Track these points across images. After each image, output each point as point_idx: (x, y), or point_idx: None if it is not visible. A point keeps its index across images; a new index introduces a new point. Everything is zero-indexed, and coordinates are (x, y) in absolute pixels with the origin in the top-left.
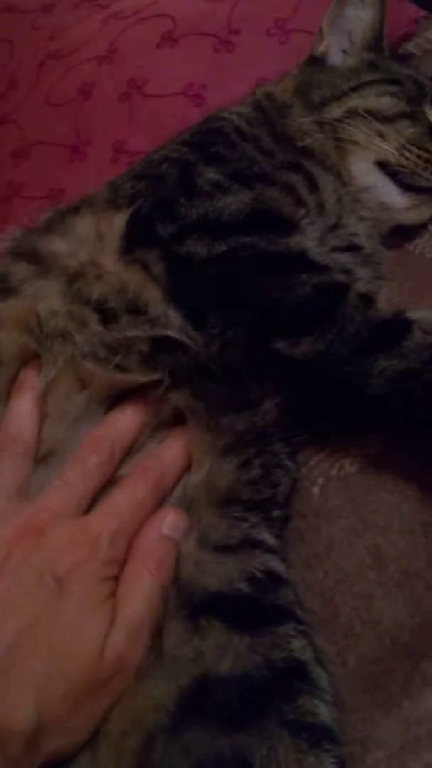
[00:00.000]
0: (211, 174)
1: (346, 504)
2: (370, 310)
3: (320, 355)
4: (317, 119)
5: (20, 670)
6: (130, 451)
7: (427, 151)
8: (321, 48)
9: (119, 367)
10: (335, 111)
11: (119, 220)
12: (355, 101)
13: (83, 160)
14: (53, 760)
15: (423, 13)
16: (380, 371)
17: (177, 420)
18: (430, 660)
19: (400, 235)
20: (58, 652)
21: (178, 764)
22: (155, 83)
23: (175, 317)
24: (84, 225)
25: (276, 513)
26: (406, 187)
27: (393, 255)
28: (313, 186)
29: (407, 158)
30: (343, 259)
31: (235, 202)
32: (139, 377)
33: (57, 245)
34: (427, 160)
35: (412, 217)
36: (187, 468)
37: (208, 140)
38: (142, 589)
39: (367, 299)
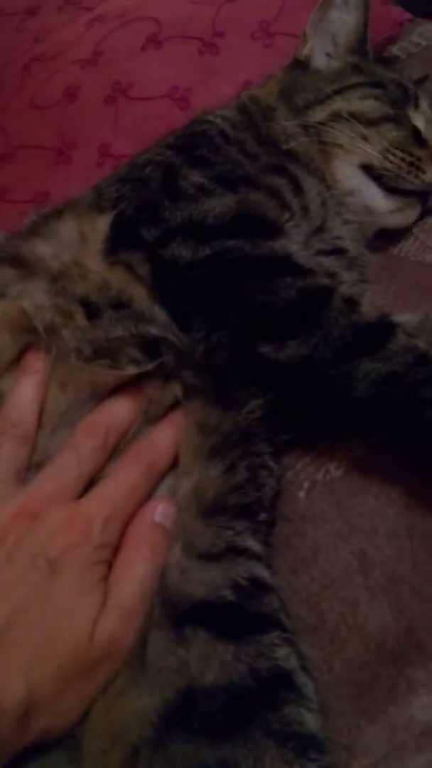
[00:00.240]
0: (195, 177)
1: (331, 508)
2: (354, 314)
3: (305, 359)
4: (301, 122)
5: (12, 652)
6: (124, 437)
7: (410, 154)
8: (305, 51)
9: (107, 364)
10: (319, 114)
11: (102, 223)
12: (339, 104)
13: (68, 164)
14: (42, 739)
15: (407, 16)
16: (365, 374)
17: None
18: (415, 665)
19: (385, 238)
20: (49, 634)
21: None
22: (140, 86)
23: (160, 313)
24: (67, 228)
25: (262, 516)
26: (390, 191)
27: (378, 258)
28: (298, 189)
29: (391, 161)
30: (328, 262)
31: (220, 205)
32: (127, 371)
33: (41, 249)
34: (410, 164)
35: (396, 220)
36: (176, 464)
37: (193, 143)
38: (136, 573)
39: (352, 303)
